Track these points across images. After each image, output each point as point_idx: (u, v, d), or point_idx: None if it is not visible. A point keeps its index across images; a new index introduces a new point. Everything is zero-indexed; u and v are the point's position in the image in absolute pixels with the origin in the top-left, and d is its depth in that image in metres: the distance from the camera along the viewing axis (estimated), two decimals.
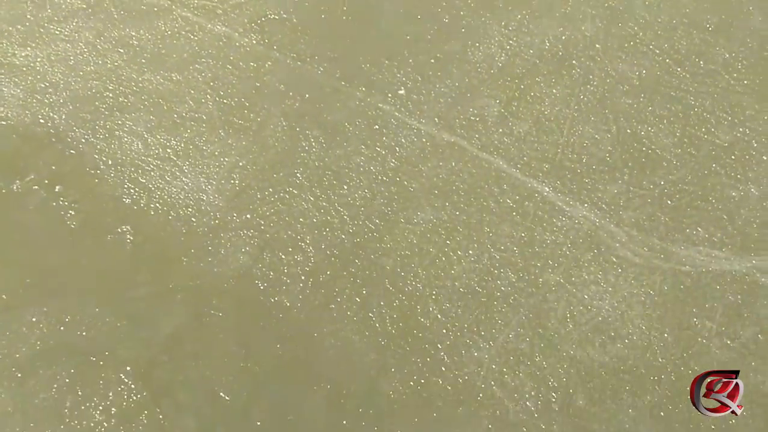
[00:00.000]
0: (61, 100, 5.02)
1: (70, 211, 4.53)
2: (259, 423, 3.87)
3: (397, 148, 4.81)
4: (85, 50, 5.28)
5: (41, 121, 4.92)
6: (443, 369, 4.02)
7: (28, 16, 5.46)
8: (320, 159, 4.78)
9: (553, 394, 3.93)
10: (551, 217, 4.47)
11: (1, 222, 4.47)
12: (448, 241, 4.43)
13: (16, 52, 5.27)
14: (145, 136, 4.88)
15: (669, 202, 4.46)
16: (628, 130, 4.76)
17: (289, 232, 4.50)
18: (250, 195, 4.64)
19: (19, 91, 5.07)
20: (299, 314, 4.20)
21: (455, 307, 4.20)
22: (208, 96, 5.08)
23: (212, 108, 5.02)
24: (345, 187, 4.67)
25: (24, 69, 5.18)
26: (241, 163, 4.77)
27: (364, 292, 4.28)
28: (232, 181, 4.69)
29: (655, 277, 4.23)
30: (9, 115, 4.94)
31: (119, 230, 4.46)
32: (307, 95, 5.08)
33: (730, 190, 4.46)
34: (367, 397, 3.95)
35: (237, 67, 5.22)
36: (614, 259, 4.30)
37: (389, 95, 5.05)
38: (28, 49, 5.29)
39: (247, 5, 5.52)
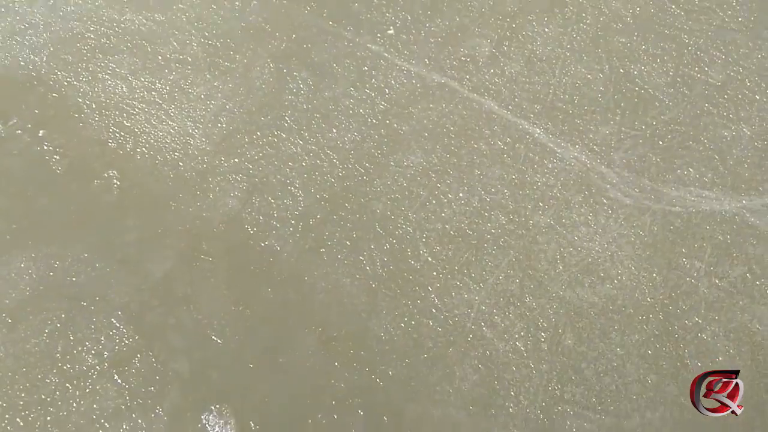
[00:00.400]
0: (42, 42, 4.88)
1: (55, 156, 4.46)
2: (251, 366, 3.91)
3: (386, 90, 4.73)
4: None
5: (22, 63, 4.79)
6: (433, 311, 4.05)
7: None
8: (308, 101, 4.70)
9: (543, 334, 3.98)
10: (542, 159, 4.44)
11: None
12: (438, 184, 4.40)
13: None
14: (129, 78, 4.77)
15: (660, 142, 4.43)
16: (621, 70, 4.69)
17: (278, 176, 4.45)
18: (238, 138, 4.57)
19: None
20: (290, 258, 4.19)
21: (445, 250, 4.20)
22: (192, 37, 4.95)
23: (197, 49, 4.90)
24: (334, 130, 4.60)
25: (2, 10, 5.02)
26: (227, 106, 4.68)
27: (355, 235, 4.27)
28: (219, 125, 4.61)
29: (645, 218, 4.23)
30: None
31: (106, 175, 4.40)
32: (293, 36, 4.96)
33: (722, 130, 4.42)
34: (359, 339, 3.98)
35: (222, 6, 5.07)
36: (605, 201, 4.29)
37: (378, 35, 4.93)
38: None
39: None
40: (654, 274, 4.09)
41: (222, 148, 4.53)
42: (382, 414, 3.82)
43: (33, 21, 4.98)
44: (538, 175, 4.39)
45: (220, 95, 4.72)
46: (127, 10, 5.02)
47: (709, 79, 4.62)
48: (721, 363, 3.88)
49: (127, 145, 4.52)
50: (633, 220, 4.23)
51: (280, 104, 4.68)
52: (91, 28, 4.95)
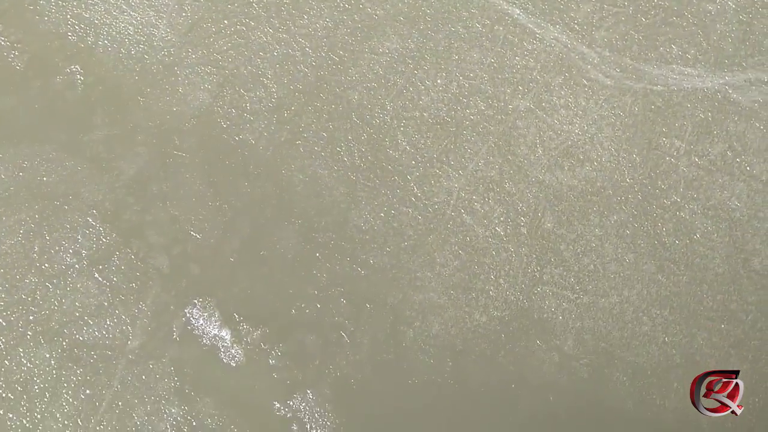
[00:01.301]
0: None
1: (13, 52, 4.24)
2: (232, 259, 3.91)
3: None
4: None
5: None
6: (413, 199, 4.02)
7: None
8: None
9: (522, 218, 3.98)
10: (521, 41, 4.30)
11: None
12: (415, 71, 4.27)
13: None
14: None
15: (643, 19, 4.29)
16: None
17: (249, 68, 4.29)
18: (205, 29, 4.36)
19: None
20: (265, 151, 4.11)
21: (424, 138, 4.13)
22: None
23: None
24: (305, 17, 4.40)
25: None
26: None
27: (331, 126, 4.17)
28: (184, 14, 4.39)
29: (626, 98, 4.16)
30: None
31: (68, 70, 4.21)
32: None
33: (706, 4, 4.28)
34: (339, 229, 3.97)
35: None
36: (585, 82, 4.20)
37: None
38: None
39: None
40: (634, 155, 4.06)
41: (188, 38, 4.33)
42: (364, 302, 3.87)
43: None
44: (518, 58, 4.26)
45: None
46: None
47: None
48: (698, 240, 3.93)
49: (88, 38, 4.30)
50: (614, 100, 4.16)
51: None
52: None
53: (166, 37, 4.33)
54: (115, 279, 3.81)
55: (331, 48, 4.33)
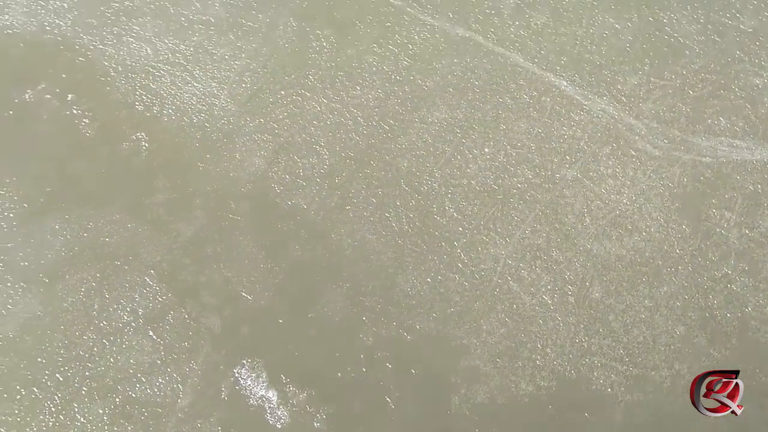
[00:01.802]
0: (66, 6, 4.91)
1: (85, 120, 4.53)
2: (281, 321, 3.99)
3: (410, 46, 4.68)
4: None
5: (47, 28, 4.83)
6: (460, 266, 4.07)
7: None
8: (332, 59, 4.68)
9: (570, 287, 3.98)
10: (569, 112, 4.38)
11: (18, 133, 4.48)
12: (463, 140, 4.38)
13: None
14: (154, 41, 4.79)
15: (691, 92, 4.34)
16: (650, 18, 4.58)
17: (304, 135, 4.47)
18: (263, 98, 4.58)
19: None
20: (316, 216, 4.23)
21: (471, 205, 4.20)
22: None
23: (219, 9, 4.89)
24: (358, 88, 4.58)
25: None
26: (251, 66, 4.68)
27: (380, 192, 4.28)
28: (244, 85, 4.63)
29: (674, 169, 4.17)
30: (14, 23, 4.86)
31: (134, 137, 4.46)
32: None
33: (753, 78, 4.31)
34: (386, 294, 4.03)
35: None
36: (633, 153, 4.23)
37: None
38: None
39: None
40: (683, 226, 4.04)
41: (247, 108, 4.55)
42: (410, 367, 3.88)
43: None
44: (565, 128, 4.34)
45: (243, 55, 4.72)
46: None
47: (741, 26, 4.49)
48: (750, 313, 3.85)
49: (154, 108, 4.56)
50: (662, 171, 4.18)
51: (303, 63, 4.67)
52: None
53: (226, 106, 4.56)
54: (168, 338, 3.93)
55: (382, 117, 4.49)
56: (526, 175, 4.24)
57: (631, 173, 4.20)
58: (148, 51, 4.76)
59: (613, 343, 3.86)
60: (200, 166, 4.39)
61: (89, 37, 4.80)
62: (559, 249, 4.06)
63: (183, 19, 4.87)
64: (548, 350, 3.86)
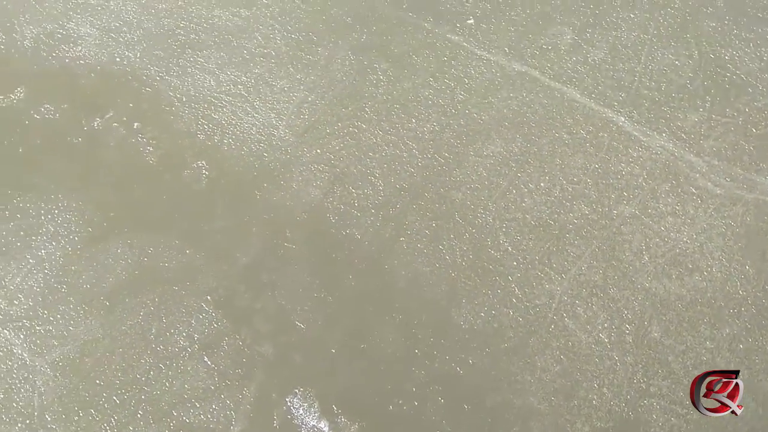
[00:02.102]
0: (135, 39, 5.12)
1: (149, 147, 4.67)
2: (333, 351, 4.00)
3: (465, 80, 4.72)
4: None
5: (117, 59, 5.03)
6: (514, 300, 4.03)
7: None
8: (388, 92, 4.75)
9: (627, 326, 3.90)
10: (627, 148, 4.34)
11: (85, 159, 4.65)
12: (518, 174, 4.37)
13: None
14: (217, 72, 4.94)
15: (754, 130, 4.25)
16: (711, 55, 4.52)
17: (359, 166, 4.52)
18: (320, 130, 4.67)
19: (94, 30, 5.18)
20: (370, 246, 4.26)
21: (526, 240, 4.17)
22: (276, 31, 5.08)
23: (280, 43, 5.03)
24: (413, 121, 4.63)
25: (98, 9, 5.28)
26: (310, 98, 4.78)
27: (434, 224, 4.29)
28: (302, 116, 4.72)
29: (737, 208, 4.08)
30: (86, 54, 5.08)
31: (195, 165, 4.58)
32: (374, 28, 5.01)
33: None
34: (439, 327, 4.01)
35: (304, 0, 5.18)
36: (693, 190, 4.16)
37: (458, 25, 4.93)
38: None
39: None
40: (747, 267, 3.94)
41: (305, 139, 4.64)
42: (462, 402, 3.84)
43: (127, 19, 5.22)
44: (623, 164, 4.29)
45: (302, 87, 4.83)
46: (214, 6, 5.20)
47: None
48: None
49: (215, 137, 4.69)
50: (724, 210, 4.08)
51: (360, 95, 4.75)
52: (181, 25, 5.16)
53: (284, 137, 4.65)
54: (222, 364, 3.98)
55: (437, 150, 4.52)
56: (583, 210, 4.20)
57: (691, 211, 4.12)
58: (211, 82, 4.91)
59: (673, 385, 3.75)
60: (257, 194, 4.48)
61: (156, 69, 4.98)
62: (616, 287, 3.98)
63: (245, 51, 5.01)
64: (605, 390, 3.78)
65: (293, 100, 4.80)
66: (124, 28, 5.19)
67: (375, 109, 4.69)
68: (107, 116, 4.82)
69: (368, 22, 5.04)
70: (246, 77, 4.91)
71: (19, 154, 4.71)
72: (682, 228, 4.08)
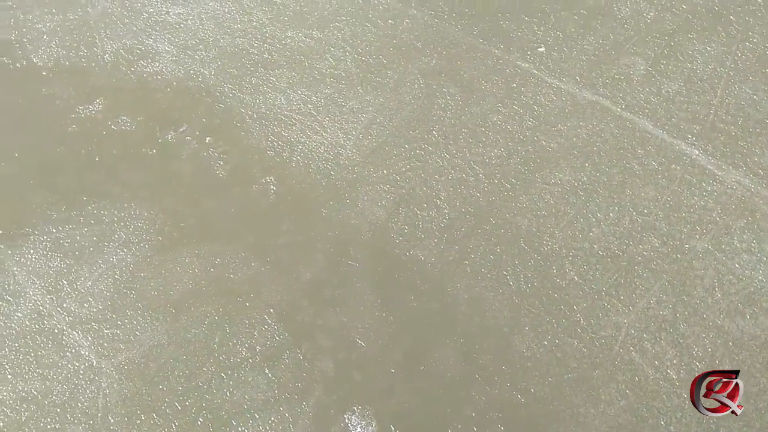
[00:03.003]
0: (211, 57, 5.28)
1: (219, 161, 4.79)
2: (393, 371, 3.98)
3: (535, 107, 4.71)
4: (233, 8, 5.51)
5: (193, 75, 5.20)
6: (579, 330, 3.95)
7: None
8: (456, 117, 4.77)
9: (697, 363, 3.78)
10: (700, 182, 4.25)
11: (159, 170, 4.79)
12: (587, 203, 4.32)
13: (169, 10, 5.58)
14: (288, 91, 5.05)
15: None
16: None
17: (425, 189, 4.54)
18: (387, 150, 4.71)
19: (172, 47, 5.37)
20: (433, 269, 4.25)
21: (593, 270, 4.11)
22: (347, 53, 5.17)
23: (351, 65, 5.12)
24: (481, 145, 4.64)
25: (177, 26, 5.48)
26: (378, 119, 4.84)
27: (498, 250, 4.26)
28: (370, 137, 4.78)
29: None
30: (163, 70, 5.26)
31: (263, 181, 4.67)
32: (444, 52, 5.06)
33: None
34: (500, 353, 3.96)
35: (375, 24, 5.27)
36: None
37: (528, 53, 4.94)
38: (181, 7, 5.59)
39: None
40: None
41: (371, 159, 4.69)
42: (523, 431, 3.76)
43: (203, 37, 5.40)
44: (696, 198, 4.20)
45: (371, 109, 4.89)
46: (288, 27, 5.34)
47: None
48: None
49: (284, 153, 4.77)
50: None
51: (428, 118, 4.78)
52: (255, 44, 5.30)
53: (352, 156, 4.71)
54: (283, 377, 4.00)
55: (503, 175, 4.50)
56: (653, 243, 4.11)
57: (767, 249, 3.99)
58: (282, 100, 5.01)
59: (745, 428, 3.61)
60: (323, 211, 4.53)
61: (229, 86, 5.12)
62: (686, 322, 3.88)
63: (316, 72, 5.12)
64: (672, 428, 3.66)
65: (362, 120, 4.86)
66: (200, 46, 5.37)
67: (442, 133, 4.71)
68: (181, 130, 4.96)
69: (438, 47, 5.09)
70: (316, 97, 5.00)
71: (96, 163, 4.89)
72: (758, 266, 3.96)
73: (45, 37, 5.59)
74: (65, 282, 4.40)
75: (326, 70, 5.11)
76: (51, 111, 5.17)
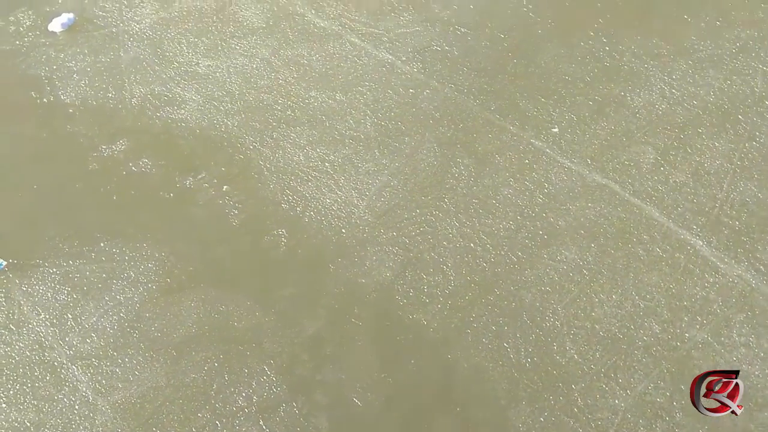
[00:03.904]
0: (235, 109, 5.45)
1: (234, 210, 4.89)
2: None
3: (545, 185, 4.84)
4: (261, 65, 5.72)
5: (216, 125, 5.36)
6: (575, 410, 3.96)
7: (213, 31, 5.99)
8: (468, 187, 4.90)
9: None
10: (703, 272, 4.33)
11: (175, 213, 4.89)
12: (591, 283, 4.39)
13: (200, 62, 5.79)
14: (307, 149, 5.19)
15: None
16: None
17: (433, 254, 4.62)
18: (398, 214, 4.81)
19: (199, 97, 5.55)
20: (435, 334, 4.29)
21: (593, 350, 4.15)
22: (367, 117, 5.34)
23: (370, 128, 5.28)
24: (490, 217, 4.74)
25: (205, 78, 5.68)
26: (392, 183, 4.97)
27: (501, 321, 4.31)
28: (383, 199, 4.89)
29: None
30: (189, 117, 5.42)
31: (275, 233, 4.76)
32: (461, 125, 5.23)
33: None
34: (496, 425, 3.96)
35: (397, 92, 5.46)
36: None
37: (542, 132, 5.11)
38: (211, 60, 5.80)
39: (412, 35, 5.78)
40: None
41: (383, 220, 4.79)
42: None
43: (230, 90, 5.59)
44: (698, 288, 4.28)
45: (386, 172, 5.02)
46: (312, 87, 5.53)
47: None
48: None
49: (298, 208, 4.88)
50: None
51: (441, 186, 4.91)
52: (279, 101, 5.48)
53: (364, 216, 4.81)
54: (277, 430, 3.99)
55: (510, 248, 4.59)
56: (654, 329, 4.17)
57: (765, 345, 4.05)
58: (300, 157, 5.16)
59: None
60: (331, 267, 4.60)
61: (251, 138, 5.28)
62: (683, 411, 3.89)
63: (336, 132, 5.28)
64: None
65: (376, 182, 4.98)
66: (226, 98, 5.55)
67: (454, 201, 4.83)
68: (199, 176, 5.08)
69: (456, 119, 5.26)
70: (334, 156, 5.14)
71: (113, 202, 4.99)
72: (755, 361, 4.01)
73: (75, 76, 5.79)
74: (70, 316, 4.44)
75: (346, 132, 5.27)
76: (73, 147, 5.31)
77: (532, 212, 4.73)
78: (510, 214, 4.74)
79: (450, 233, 4.70)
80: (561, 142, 5.04)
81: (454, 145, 5.13)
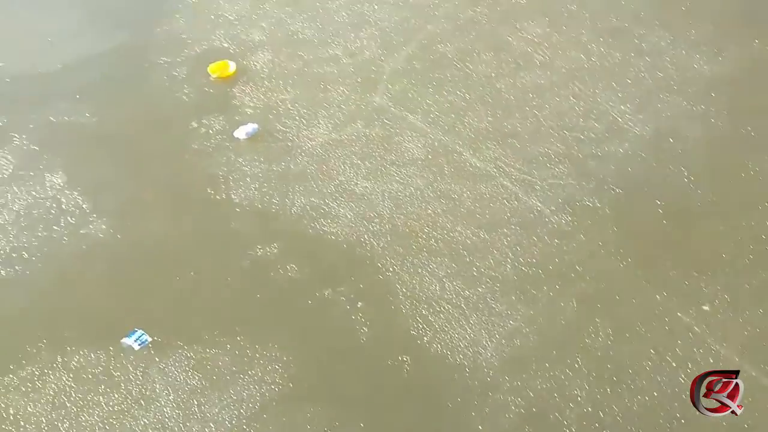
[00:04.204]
0: (383, 230, 5.68)
1: (364, 327, 4.99)
2: None
3: (689, 364, 4.56)
4: (414, 194, 5.97)
5: (363, 243, 5.59)
6: None
7: (376, 156, 6.36)
8: (604, 351, 4.71)
9: None
10: None
11: (308, 320, 5.07)
12: None
13: (358, 182, 6.14)
14: (444, 280, 5.27)
15: None
16: None
17: (556, 413, 4.42)
18: (526, 364, 4.69)
19: (351, 214, 5.86)
20: None
21: None
22: (508, 259, 5.37)
23: (510, 271, 5.28)
24: (624, 388, 4.50)
25: (361, 198, 6.00)
26: (524, 330, 4.88)
27: None
28: (512, 345, 4.81)
29: None
30: (339, 232, 5.71)
31: (400, 358, 4.78)
32: (603, 285, 5.11)
33: None
34: None
35: (542, 239, 5.47)
36: None
37: (691, 308, 4.87)
38: (369, 182, 6.13)
39: (564, 187, 5.84)
40: None
41: (509, 367, 4.68)
42: None
43: (381, 212, 5.85)
44: None
45: (519, 318, 4.96)
46: (459, 222, 5.67)
47: None
48: None
49: (425, 337, 4.90)
50: None
51: (575, 345, 4.76)
52: (425, 230, 5.66)
53: (490, 359, 4.74)
54: None
55: (644, 426, 4.31)
56: None
57: None
58: (437, 287, 5.23)
59: None
60: (449, 405, 4.52)
61: (392, 261, 5.45)
62: None
63: (474, 269, 5.33)
64: None
65: (508, 327, 4.93)
66: (376, 219, 5.81)
67: (586, 363, 4.65)
68: (338, 289, 5.28)
69: (599, 277, 5.16)
70: (469, 292, 5.17)
71: (256, 300, 5.27)
72: None
73: (248, 179, 6.31)
74: (195, 402, 4.63)
75: (485, 270, 5.31)
76: (232, 243, 5.72)
77: (670, 390, 4.44)
78: (646, 388, 4.49)
79: (578, 395, 4.50)
80: (710, 322, 4.77)
81: (594, 303, 5.00)
